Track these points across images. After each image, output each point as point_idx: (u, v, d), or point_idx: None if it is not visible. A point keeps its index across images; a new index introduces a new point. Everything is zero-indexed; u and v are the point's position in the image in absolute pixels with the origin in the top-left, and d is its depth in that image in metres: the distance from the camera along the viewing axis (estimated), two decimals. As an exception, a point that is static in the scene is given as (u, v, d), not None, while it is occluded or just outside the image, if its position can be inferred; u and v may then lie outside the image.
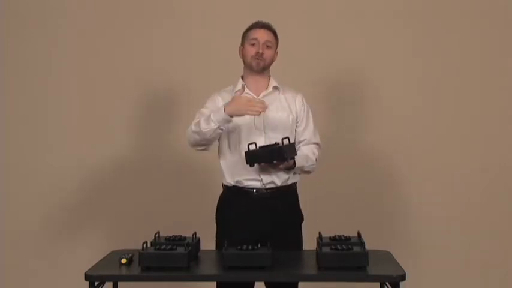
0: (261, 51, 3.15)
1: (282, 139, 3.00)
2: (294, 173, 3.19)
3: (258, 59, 3.16)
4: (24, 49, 4.40)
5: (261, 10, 4.07)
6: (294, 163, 3.10)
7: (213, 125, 3.01)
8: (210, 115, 3.03)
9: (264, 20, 3.24)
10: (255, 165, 3.02)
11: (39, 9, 4.39)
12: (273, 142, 3.06)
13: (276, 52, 3.23)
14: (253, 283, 3.08)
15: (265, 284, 3.12)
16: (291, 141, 3.05)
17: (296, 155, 3.06)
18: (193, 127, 3.09)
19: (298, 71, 4.08)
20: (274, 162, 3.02)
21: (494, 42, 4.32)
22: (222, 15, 4.29)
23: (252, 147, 3.00)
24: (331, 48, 4.30)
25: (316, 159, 3.22)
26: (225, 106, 3.02)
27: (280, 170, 3.11)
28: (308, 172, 3.24)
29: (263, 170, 3.11)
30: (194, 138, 3.10)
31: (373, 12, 4.32)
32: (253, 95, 3.20)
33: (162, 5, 4.37)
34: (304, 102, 3.27)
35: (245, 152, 2.99)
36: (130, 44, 4.36)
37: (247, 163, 3.00)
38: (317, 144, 3.26)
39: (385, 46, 4.32)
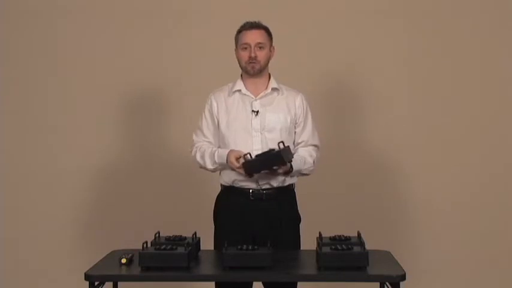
0: (253, 55, 3.11)
1: (278, 143, 2.98)
2: (292, 176, 3.17)
3: (252, 62, 3.13)
4: (24, 49, 4.40)
5: (261, 10, 4.08)
6: (291, 167, 3.08)
7: (217, 166, 3.15)
8: (214, 155, 3.12)
9: (264, 19, 3.21)
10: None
11: (37, 9, 4.38)
12: (270, 144, 3.06)
13: (271, 48, 3.19)
14: (252, 283, 3.07)
15: (263, 283, 3.12)
16: (287, 144, 3.04)
17: (293, 157, 3.04)
18: (198, 158, 3.19)
19: (298, 71, 4.07)
20: (275, 168, 3.01)
21: (494, 42, 4.32)
22: (222, 15, 4.27)
23: (249, 157, 3.00)
24: (331, 48, 4.29)
25: (314, 161, 3.20)
26: (228, 154, 3.07)
27: (279, 174, 3.09)
28: (306, 174, 3.23)
29: (263, 177, 3.09)
30: (199, 164, 3.22)
31: (374, 12, 4.31)
32: (251, 95, 3.19)
33: (161, 6, 4.36)
34: (304, 103, 3.23)
35: (243, 164, 2.99)
36: (130, 45, 4.35)
37: (246, 173, 3.00)
38: (315, 145, 3.24)
39: (387, 46, 4.31)
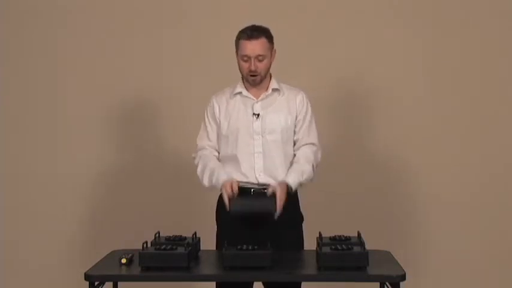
0: (253, 68, 3.08)
1: (271, 189, 3.01)
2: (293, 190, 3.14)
3: (253, 75, 3.11)
4: (24, 49, 4.39)
5: (262, 10, 4.08)
6: (290, 188, 3.06)
7: (212, 184, 3.11)
8: (213, 175, 3.09)
9: (265, 19, 3.18)
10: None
11: (37, 9, 4.38)
12: (272, 146, 3.08)
13: (273, 52, 3.14)
14: (252, 283, 3.07)
15: (263, 284, 3.11)
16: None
17: (274, 209, 2.98)
18: (198, 170, 3.17)
19: (299, 70, 4.07)
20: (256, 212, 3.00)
21: (494, 42, 4.31)
22: (222, 15, 4.27)
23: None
24: (333, 47, 4.29)
25: (313, 165, 3.15)
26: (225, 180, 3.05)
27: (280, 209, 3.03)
28: (310, 181, 3.19)
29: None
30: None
31: (377, 12, 4.31)
32: (252, 98, 3.17)
33: (161, 6, 4.36)
34: (305, 101, 3.21)
35: (229, 199, 2.99)
36: (130, 45, 4.35)
37: (229, 208, 3.00)
38: (312, 144, 3.19)
39: (389, 46, 4.31)
